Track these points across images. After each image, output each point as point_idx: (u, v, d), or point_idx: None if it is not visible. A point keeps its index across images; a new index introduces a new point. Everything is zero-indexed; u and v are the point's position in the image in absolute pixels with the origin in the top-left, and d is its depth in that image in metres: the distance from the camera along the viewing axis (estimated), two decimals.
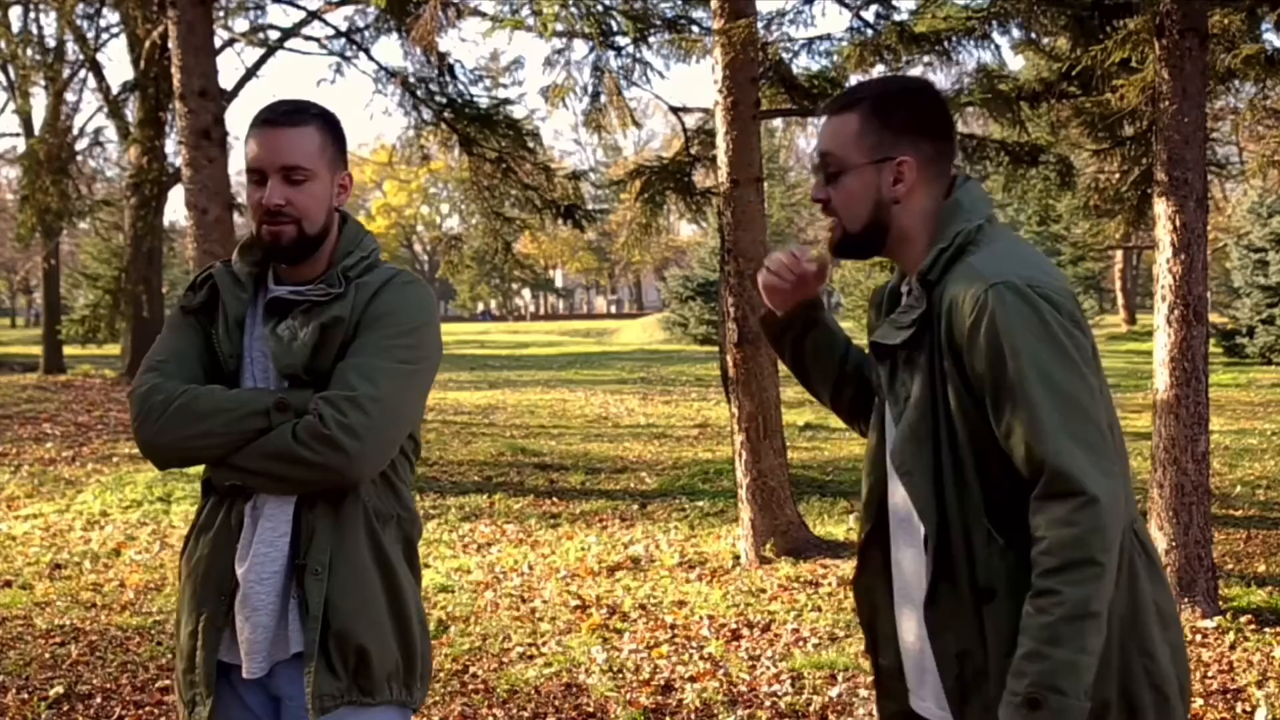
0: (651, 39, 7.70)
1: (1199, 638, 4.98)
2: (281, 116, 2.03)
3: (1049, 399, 1.67)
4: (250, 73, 19.60)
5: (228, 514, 2.03)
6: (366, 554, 2.02)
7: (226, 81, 22.62)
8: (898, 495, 1.89)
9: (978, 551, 1.76)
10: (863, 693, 4.41)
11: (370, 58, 11.13)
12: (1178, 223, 5.18)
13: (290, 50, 23.47)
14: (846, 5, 7.27)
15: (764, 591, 5.97)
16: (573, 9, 7.41)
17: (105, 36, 20.64)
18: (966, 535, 1.77)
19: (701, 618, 5.48)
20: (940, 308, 1.77)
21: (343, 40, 11.53)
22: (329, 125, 2.08)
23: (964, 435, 1.76)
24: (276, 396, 1.98)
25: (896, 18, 6.84)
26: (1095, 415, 1.69)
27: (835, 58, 7.29)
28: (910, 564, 1.91)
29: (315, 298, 2.03)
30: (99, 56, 21.78)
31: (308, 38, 16.89)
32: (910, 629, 1.93)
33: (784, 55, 7.23)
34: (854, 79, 7.50)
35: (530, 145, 10.07)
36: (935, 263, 1.80)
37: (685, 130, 7.98)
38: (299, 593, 1.99)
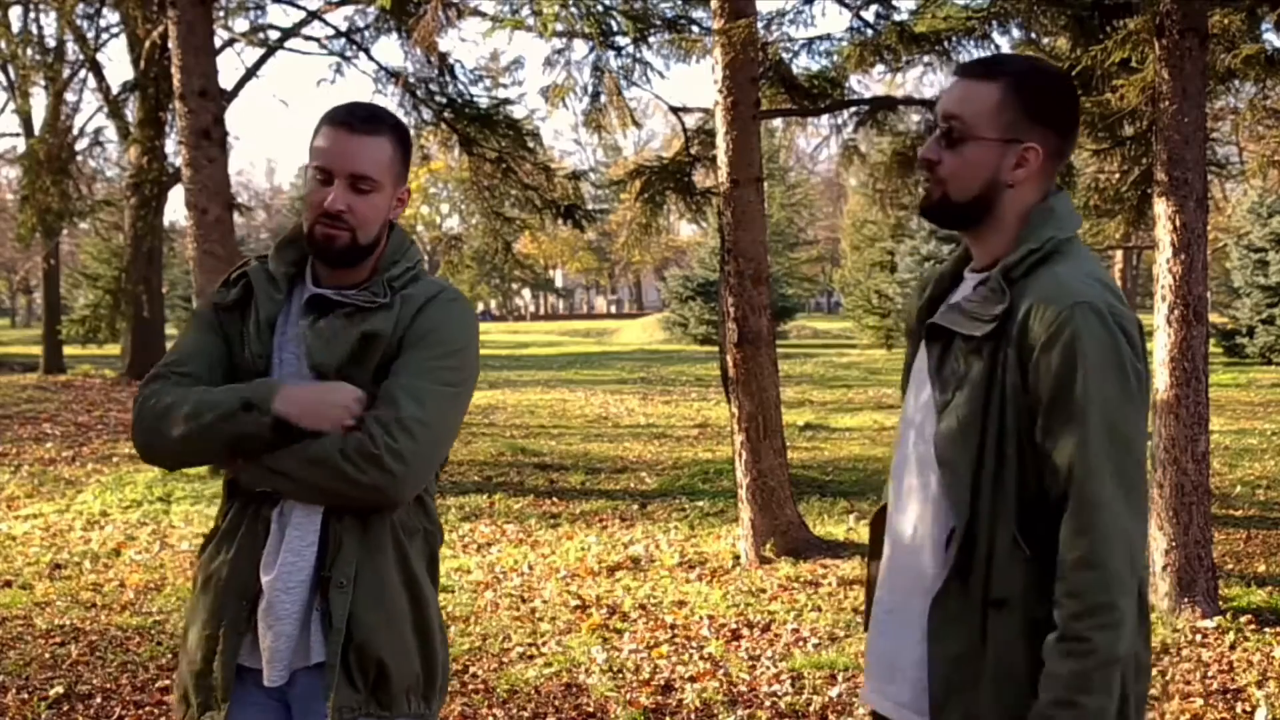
0: (651, 39, 7.70)
1: (1199, 638, 4.98)
2: (360, 123, 2.00)
3: (1104, 432, 1.67)
4: (250, 73, 19.59)
5: (254, 520, 2.02)
6: (393, 567, 2.01)
7: (226, 81, 22.59)
8: (912, 481, 1.88)
9: (999, 557, 1.74)
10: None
11: (370, 58, 11.14)
12: (1178, 223, 5.18)
13: (290, 50, 23.45)
14: (846, 5, 7.28)
15: (764, 591, 5.97)
16: (573, 9, 7.41)
17: (105, 36, 20.64)
18: (991, 538, 1.75)
19: (701, 618, 5.48)
20: (1018, 307, 1.75)
21: (343, 40, 11.54)
22: (401, 139, 2.06)
23: (1013, 439, 1.74)
24: (241, 397, 1.94)
25: (896, 18, 6.84)
26: (1140, 457, 1.70)
27: (835, 58, 7.30)
28: (902, 553, 1.90)
29: (360, 303, 2.01)
30: (99, 56, 21.77)
31: (308, 38, 16.89)
32: (880, 619, 1.93)
33: (784, 55, 7.24)
34: (854, 79, 7.52)
35: (530, 145, 10.07)
36: (1023, 261, 1.78)
37: (685, 130, 7.98)
38: (323, 604, 1.97)
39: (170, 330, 22.61)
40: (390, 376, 1.97)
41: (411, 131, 10.30)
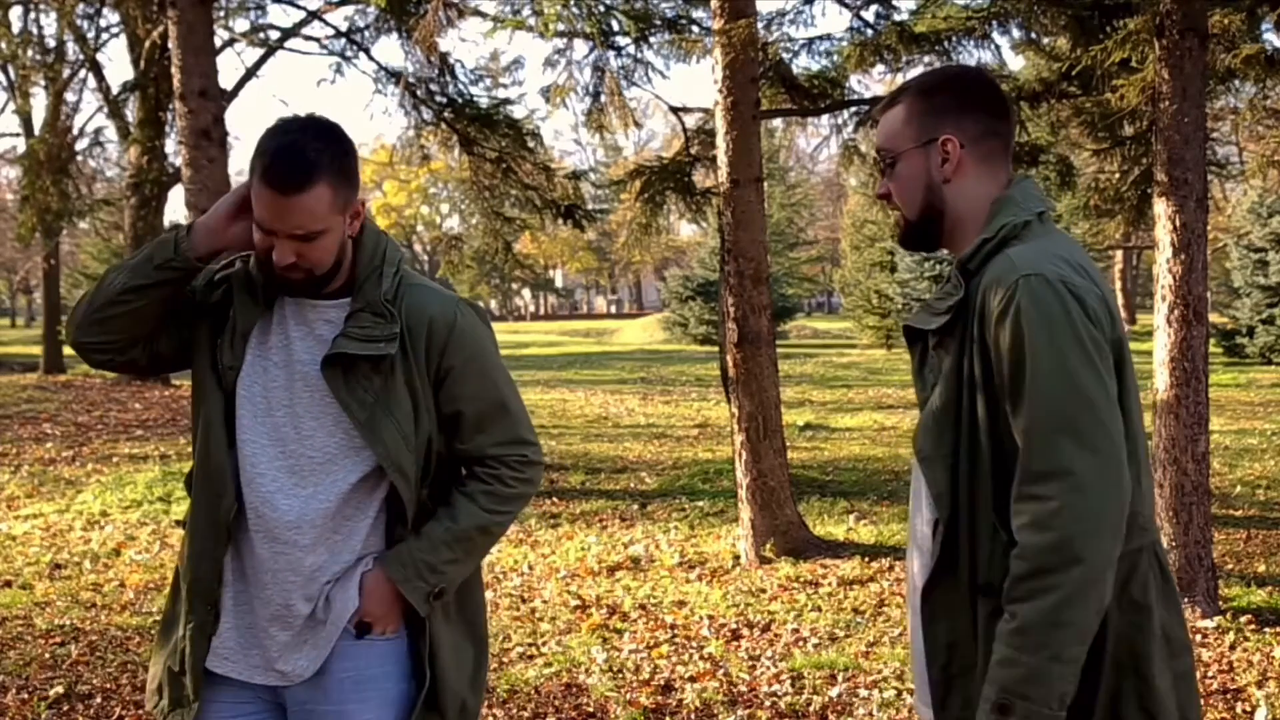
0: (652, 39, 7.71)
1: (1199, 638, 4.98)
2: (290, 184, 1.86)
3: (1061, 393, 1.66)
4: (250, 73, 19.58)
5: (210, 523, 2.06)
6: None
7: (226, 81, 22.60)
8: (918, 481, 1.91)
9: (981, 545, 1.76)
10: (862, 693, 4.41)
11: (370, 58, 11.15)
12: (1178, 223, 5.18)
13: (290, 50, 23.47)
14: (846, 5, 7.28)
15: (764, 591, 5.97)
16: (574, 9, 7.42)
17: (105, 36, 20.65)
18: (973, 527, 1.77)
19: (701, 618, 5.48)
20: (975, 297, 1.77)
21: (343, 40, 11.54)
22: (338, 171, 1.92)
23: (985, 425, 1.75)
24: (166, 245, 2.01)
25: (896, 18, 6.85)
26: (1103, 416, 1.67)
27: (835, 58, 7.30)
28: (917, 552, 1.92)
29: (379, 352, 1.97)
30: (99, 56, 21.78)
31: (308, 38, 16.90)
32: (912, 616, 1.95)
33: (784, 55, 7.24)
34: (854, 79, 7.52)
35: (530, 145, 10.07)
36: (976, 253, 1.81)
37: (685, 130, 7.98)
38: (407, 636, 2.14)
39: None
40: (467, 403, 2.05)
41: (411, 131, 10.28)
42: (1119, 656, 1.72)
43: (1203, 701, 4.27)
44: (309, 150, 1.89)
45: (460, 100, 10.05)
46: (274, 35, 18.01)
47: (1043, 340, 1.67)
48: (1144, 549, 1.75)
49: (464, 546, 2.04)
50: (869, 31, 7.08)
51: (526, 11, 7.81)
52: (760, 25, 6.72)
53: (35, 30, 20.20)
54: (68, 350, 22.04)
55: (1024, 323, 1.68)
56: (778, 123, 23.59)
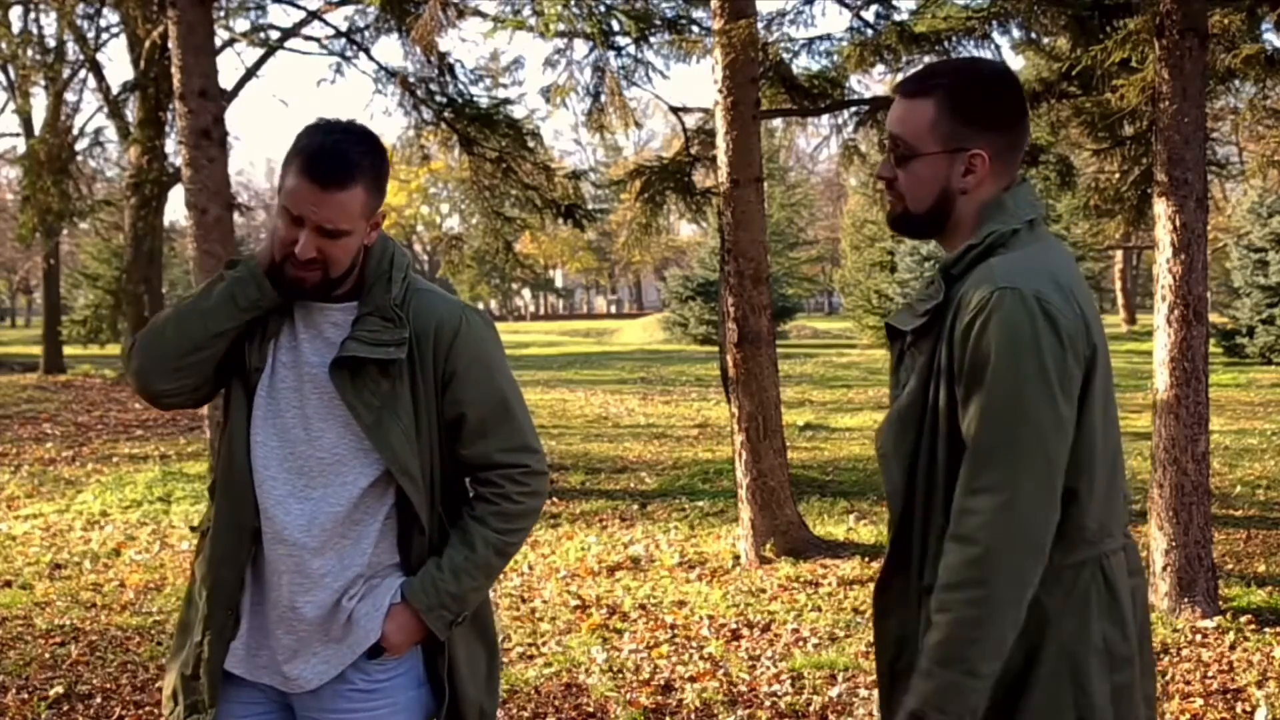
0: (652, 39, 7.71)
1: (1199, 638, 4.98)
2: (330, 178, 1.90)
3: (1006, 406, 1.68)
4: (250, 73, 19.56)
5: (236, 528, 2.06)
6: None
7: (226, 81, 22.58)
8: None
9: (931, 545, 1.78)
10: (863, 693, 4.41)
11: (370, 58, 11.11)
12: (1178, 223, 5.18)
13: (290, 50, 23.43)
14: (846, 5, 7.28)
15: (764, 591, 5.97)
16: (574, 9, 7.42)
17: (105, 36, 20.60)
18: (925, 527, 1.79)
19: (701, 618, 5.48)
20: (953, 301, 1.77)
21: (343, 40, 11.50)
22: (375, 177, 1.96)
23: (945, 429, 1.76)
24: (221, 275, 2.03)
25: (896, 18, 6.85)
26: (1048, 444, 1.68)
27: (835, 58, 7.31)
28: None
29: (389, 356, 1.98)
30: (99, 56, 21.77)
31: (308, 38, 16.84)
32: None
33: (784, 55, 7.24)
34: (854, 79, 7.52)
35: (530, 145, 10.05)
36: (961, 258, 1.80)
37: (685, 130, 7.98)
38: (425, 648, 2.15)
39: None
40: (469, 406, 2.04)
41: (411, 131, 10.27)
42: (1057, 667, 1.73)
43: (1203, 701, 4.28)
44: (352, 152, 1.93)
45: (460, 100, 10.03)
46: (274, 35, 17.97)
47: (1005, 359, 1.68)
48: (1088, 561, 1.76)
49: (484, 572, 2.06)
50: (869, 31, 7.08)
51: (526, 11, 7.82)
52: (760, 25, 6.72)
53: (35, 30, 20.18)
54: (68, 350, 22.05)
55: (990, 338, 1.69)
56: (778, 123, 23.57)
